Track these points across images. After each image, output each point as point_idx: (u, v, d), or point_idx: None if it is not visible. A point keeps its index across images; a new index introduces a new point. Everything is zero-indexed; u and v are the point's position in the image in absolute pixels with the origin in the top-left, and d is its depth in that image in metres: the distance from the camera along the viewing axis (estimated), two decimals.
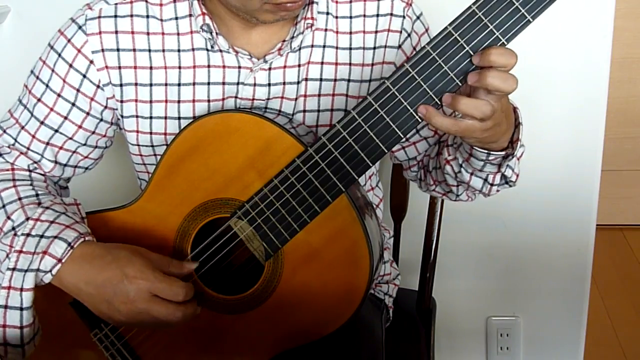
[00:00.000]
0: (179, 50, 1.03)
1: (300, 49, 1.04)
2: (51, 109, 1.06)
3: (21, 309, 0.91)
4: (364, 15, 1.06)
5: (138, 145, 1.09)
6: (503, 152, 0.95)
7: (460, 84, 0.86)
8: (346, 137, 0.90)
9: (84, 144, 1.10)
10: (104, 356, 1.02)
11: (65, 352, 1.05)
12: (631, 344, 2.18)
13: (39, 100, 1.06)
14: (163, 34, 1.03)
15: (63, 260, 0.92)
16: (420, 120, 0.88)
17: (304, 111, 1.07)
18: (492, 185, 1.03)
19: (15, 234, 0.96)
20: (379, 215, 1.26)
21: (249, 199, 0.95)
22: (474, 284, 1.77)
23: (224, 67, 1.03)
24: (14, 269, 0.91)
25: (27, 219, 0.97)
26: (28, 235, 0.93)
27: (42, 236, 0.93)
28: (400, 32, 1.07)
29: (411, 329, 1.41)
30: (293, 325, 0.98)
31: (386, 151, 0.90)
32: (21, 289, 0.91)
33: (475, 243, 1.73)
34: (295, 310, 0.97)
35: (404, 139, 0.90)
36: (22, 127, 1.08)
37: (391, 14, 1.06)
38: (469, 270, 1.76)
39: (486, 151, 0.94)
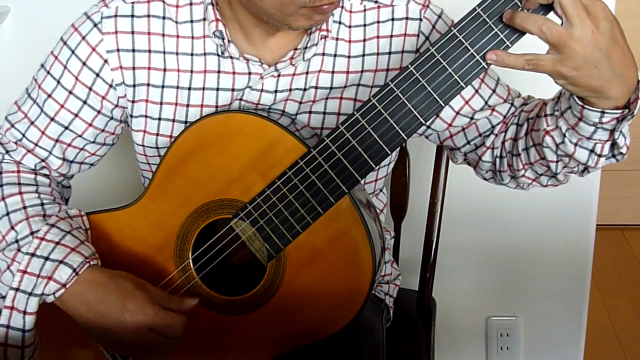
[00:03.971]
0: (192, 54, 1.03)
1: (311, 56, 1.03)
2: (62, 106, 1.05)
3: (23, 331, 0.91)
4: (378, 22, 1.03)
5: (143, 145, 1.09)
6: (618, 112, 0.86)
7: (464, 86, 0.86)
8: (349, 139, 0.90)
9: (93, 142, 1.09)
10: (104, 357, 1.02)
11: (66, 353, 1.04)
12: (631, 344, 2.18)
13: (49, 96, 1.05)
14: (178, 36, 1.03)
15: (67, 286, 0.91)
16: (423, 123, 0.88)
17: (310, 112, 1.06)
18: (599, 156, 0.93)
19: (19, 249, 0.96)
20: (381, 219, 1.26)
21: (251, 200, 0.95)
22: (474, 284, 1.77)
23: (234, 73, 1.03)
24: (17, 290, 0.91)
25: (32, 233, 0.97)
26: (33, 255, 0.92)
27: (47, 258, 0.92)
28: (418, 35, 1.04)
29: (411, 329, 1.41)
30: (295, 326, 0.98)
31: (389, 153, 0.90)
32: (24, 312, 0.91)
33: (475, 243, 1.73)
34: (298, 311, 0.97)
35: (406, 140, 0.90)
36: (32, 123, 1.07)
37: (407, 18, 1.03)
38: (469, 270, 1.76)
39: (600, 110, 0.86)
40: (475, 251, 1.74)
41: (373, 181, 1.17)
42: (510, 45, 0.84)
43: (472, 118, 1.06)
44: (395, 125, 0.88)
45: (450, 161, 1.35)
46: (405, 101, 0.87)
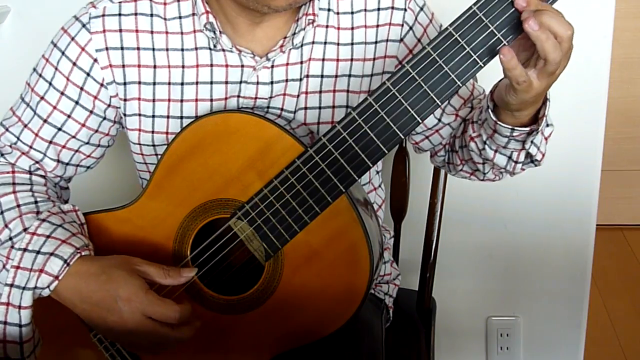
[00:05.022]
0: (182, 50, 1.03)
1: (302, 45, 1.04)
2: (54, 107, 1.06)
3: (20, 326, 0.92)
4: (365, 10, 1.05)
5: (140, 144, 1.09)
6: (527, 128, 0.94)
7: (461, 85, 0.86)
8: (346, 138, 0.90)
9: (87, 143, 1.09)
10: (104, 356, 1.02)
11: (66, 352, 1.05)
12: (631, 344, 2.18)
13: (42, 98, 1.06)
14: (167, 32, 1.03)
15: (60, 278, 0.92)
16: (420, 122, 0.88)
17: (306, 108, 1.07)
18: (516, 162, 1.02)
19: (12, 246, 0.97)
20: (380, 215, 1.26)
21: (249, 199, 0.95)
22: (474, 284, 1.77)
23: (226, 66, 1.03)
24: (11, 285, 0.91)
25: (25, 230, 0.97)
26: (25, 250, 0.93)
27: (38, 252, 0.92)
28: (402, 25, 1.06)
29: (411, 329, 1.41)
30: (293, 326, 0.98)
31: (386, 152, 0.90)
32: (19, 307, 0.91)
33: (475, 243, 1.73)
34: (296, 311, 0.97)
35: (404, 139, 0.90)
36: (25, 125, 1.07)
37: (392, 7, 1.05)
38: (469, 270, 1.76)
39: (510, 127, 0.94)
40: (475, 251, 1.74)
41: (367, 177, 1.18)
42: (507, 43, 0.84)
43: (439, 120, 1.11)
44: (392, 125, 0.88)
45: None
46: (402, 100, 0.87)
